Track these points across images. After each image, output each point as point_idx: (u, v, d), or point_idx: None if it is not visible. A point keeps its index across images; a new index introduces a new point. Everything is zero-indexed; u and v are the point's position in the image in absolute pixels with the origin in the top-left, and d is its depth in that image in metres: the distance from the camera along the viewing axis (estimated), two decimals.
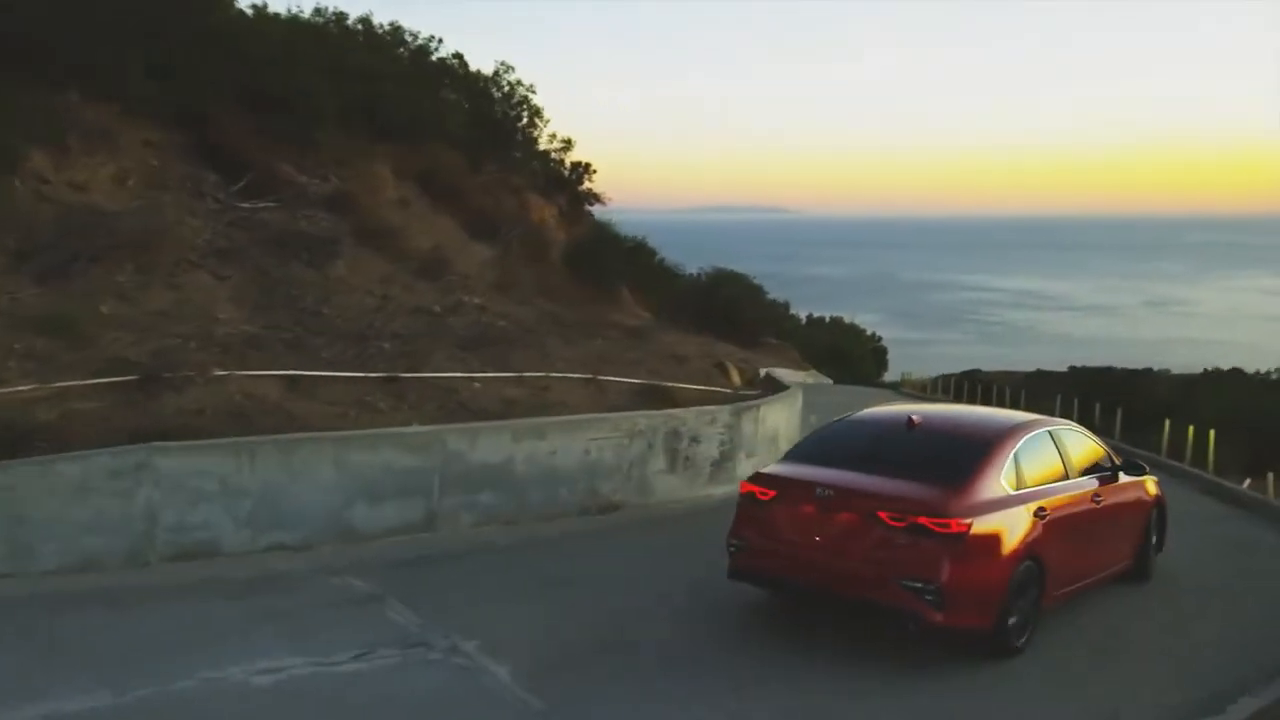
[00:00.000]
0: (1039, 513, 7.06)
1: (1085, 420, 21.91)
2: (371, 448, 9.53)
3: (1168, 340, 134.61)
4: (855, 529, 6.65)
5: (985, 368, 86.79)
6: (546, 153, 27.54)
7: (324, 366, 11.85)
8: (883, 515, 6.56)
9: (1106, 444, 8.95)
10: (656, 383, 14.37)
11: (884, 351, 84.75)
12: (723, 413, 12.52)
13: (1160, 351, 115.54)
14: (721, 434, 12.41)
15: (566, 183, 26.98)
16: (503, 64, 22.12)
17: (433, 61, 21.33)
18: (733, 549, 7.39)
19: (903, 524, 6.49)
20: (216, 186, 14.74)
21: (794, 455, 7.86)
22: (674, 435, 11.73)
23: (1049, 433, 7.86)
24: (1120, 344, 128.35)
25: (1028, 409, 26.92)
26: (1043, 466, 7.46)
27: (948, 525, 6.43)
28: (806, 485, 6.97)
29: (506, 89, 22.12)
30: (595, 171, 26.60)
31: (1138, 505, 8.78)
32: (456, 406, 11.62)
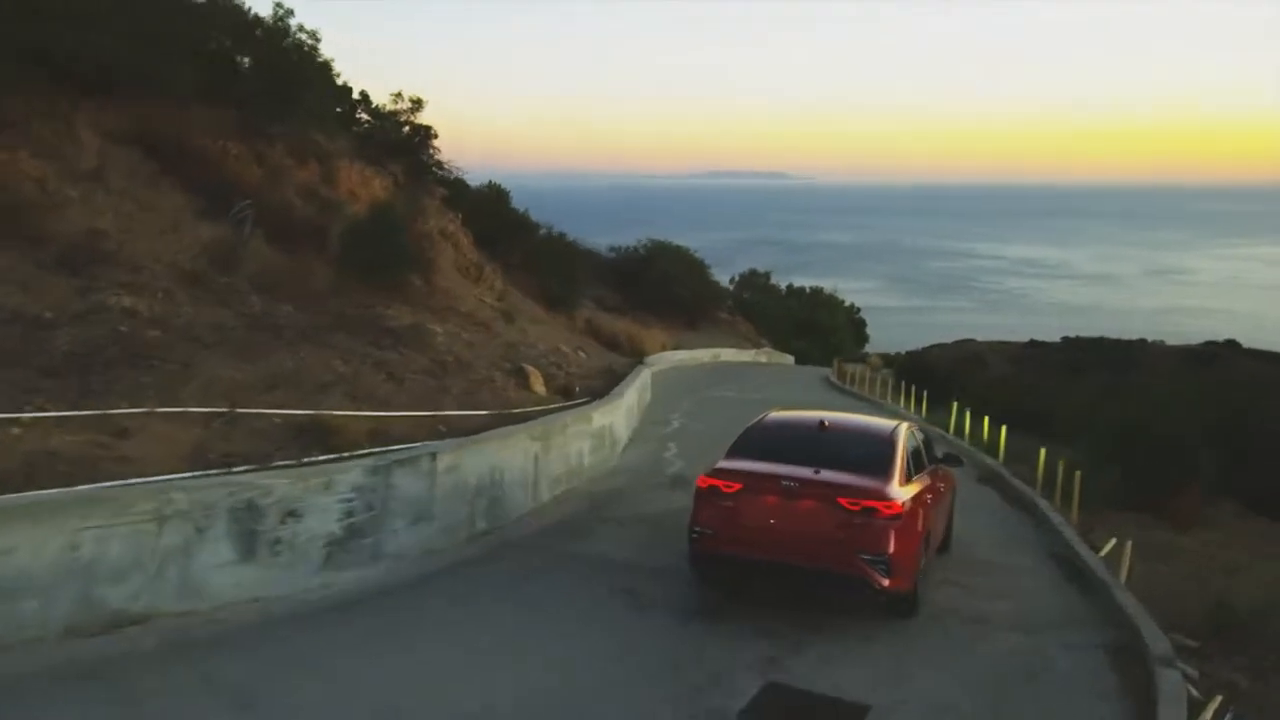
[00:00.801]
0: (926, 495, 8.58)
1: (974, 432, 18.68)
2: None
3: (1167, 309, 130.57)
4: (816, 514, 7.76)
5: (980, 337, 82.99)
6: (394, 114, 23.95)
7: None
8: (843, 501, 7.74)
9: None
10: (331, 413, 10.90)
11: (863, 324, 78.39)
12: (350, 472, 9.01)
13: (1159, 321, 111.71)
14: (348, 501, 8.93)
15: (410, 148, 23.38)
16: (280, 5, 18.41)
17: (189, 2, 17.65)
18: (695, 535, 8.20)
19: (858, 508, 7.69)
20: None
21: (737, 453, 8.66)
22: (250, 511, 8.23)
23: (912, 430, 9.41)
24: (1119, 313, 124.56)
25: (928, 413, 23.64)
26: (916, 458, 8.95)
27: (892, 507, 7.74)
28: (771, 478, 8.00)
29: (289, 40, 18.43)
30: (437, 135, 22.94)
31: (951, 489, 10.41)
32: None
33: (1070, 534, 11.45)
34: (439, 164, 23.54)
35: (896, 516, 7.75)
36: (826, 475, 7.95)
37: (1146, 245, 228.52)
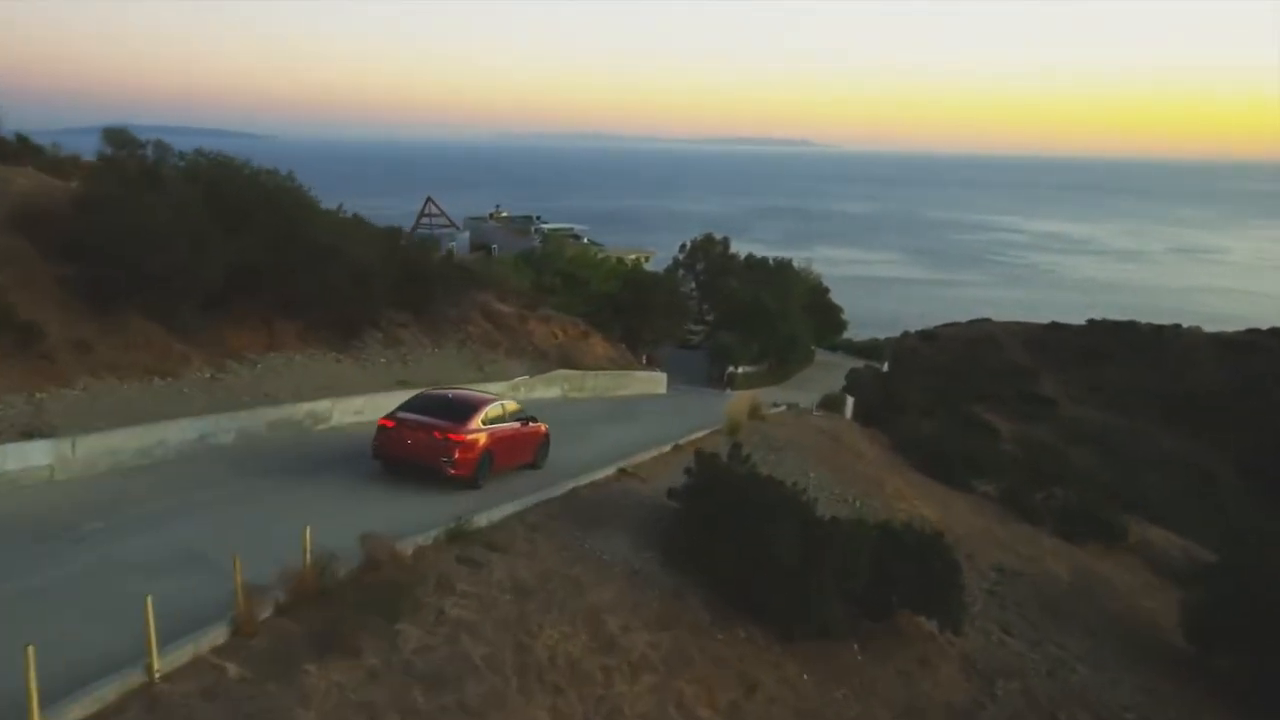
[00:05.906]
0: (498, 433, 16.41)
1: None
2: None
3: (1194, 289, 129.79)
4: (427, 438, 15.55)
5: (1004, 314, 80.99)
6: None
7: None
8: (436, 434, 15.55)
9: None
10: None
11: (837, 310, 60.88)
12: None
13: (1187, 300, 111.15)
14: None
15: None
16: None
17: None
18: (375, 446, 15.90)
19: (442, 437, 15.54)
20: None
21: (402, 408, 16.37)
22: None
23: (500, 402, 17.10)
24: (1145, 290, 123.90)
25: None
26: (494, 416, 16.54)
27: (459, 436, 15.61)
28: (409, 421, 15.82)
29: None
30: None
31: (536, 434, 17.94)
32: None
33: None
34: None
35: (460, 441, 15.58)
36: (433, 421, 15.75)
37: (1175, 222, 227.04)
